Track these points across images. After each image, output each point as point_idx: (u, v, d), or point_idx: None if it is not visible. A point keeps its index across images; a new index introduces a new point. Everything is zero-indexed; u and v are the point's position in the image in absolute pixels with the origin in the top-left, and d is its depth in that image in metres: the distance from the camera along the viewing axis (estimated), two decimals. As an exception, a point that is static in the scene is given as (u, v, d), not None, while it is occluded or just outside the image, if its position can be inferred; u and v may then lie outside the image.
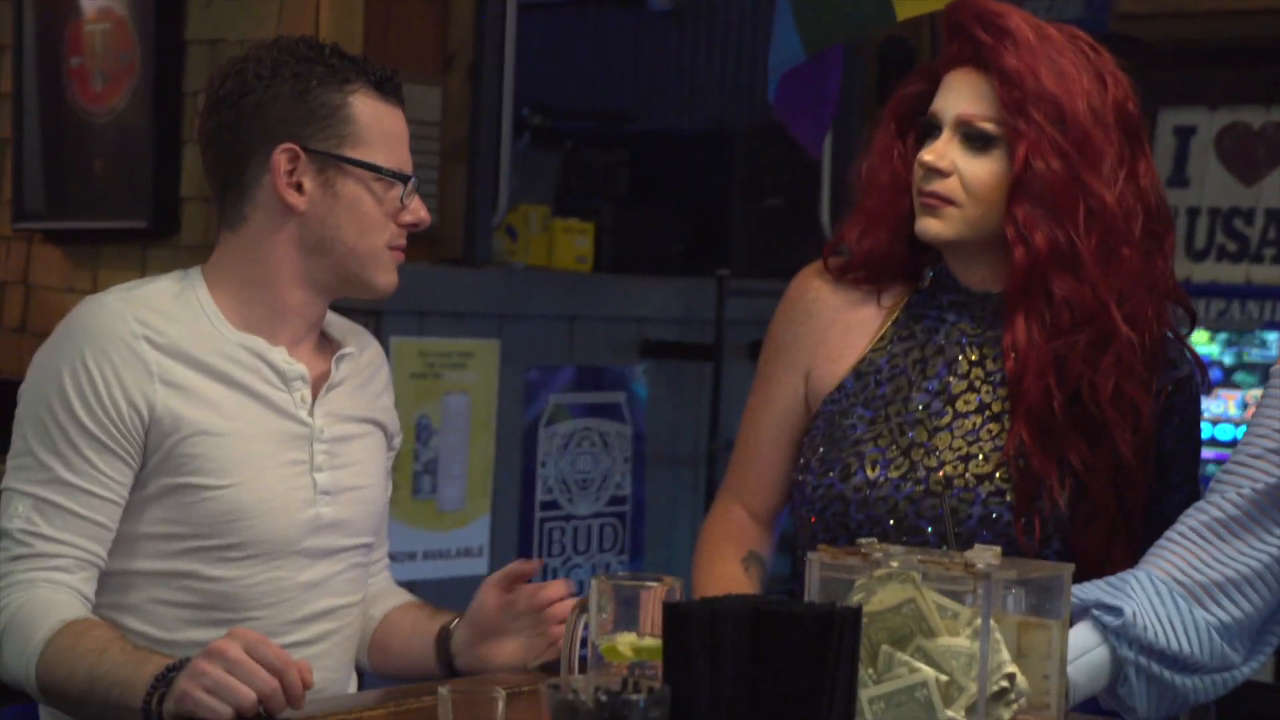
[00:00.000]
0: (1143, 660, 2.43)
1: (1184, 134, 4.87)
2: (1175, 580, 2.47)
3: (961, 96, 2.65)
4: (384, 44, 4.44)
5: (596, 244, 4.99)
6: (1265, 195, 4.75)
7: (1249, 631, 2.50)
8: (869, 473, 2.65)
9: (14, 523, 2.43)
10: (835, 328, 2.78)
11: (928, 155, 2.64)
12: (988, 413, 2.67)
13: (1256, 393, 4.57)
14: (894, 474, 2.65)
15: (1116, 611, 2.43)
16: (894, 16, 4.16)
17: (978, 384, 2.69)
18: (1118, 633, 2.43)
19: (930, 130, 2.67)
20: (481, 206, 4.63)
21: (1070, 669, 2.37)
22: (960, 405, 2.68)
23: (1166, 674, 2.46)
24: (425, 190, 2.62)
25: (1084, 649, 2.43)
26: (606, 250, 5.07)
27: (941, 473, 2.64)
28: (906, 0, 4.16)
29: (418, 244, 2.62)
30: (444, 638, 2.61)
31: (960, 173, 2.63)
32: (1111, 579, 2.49)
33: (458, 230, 4.59)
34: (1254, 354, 4.70)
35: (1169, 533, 2.53)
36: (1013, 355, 2.62)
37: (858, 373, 2.73)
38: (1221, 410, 4.70)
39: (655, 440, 4.88)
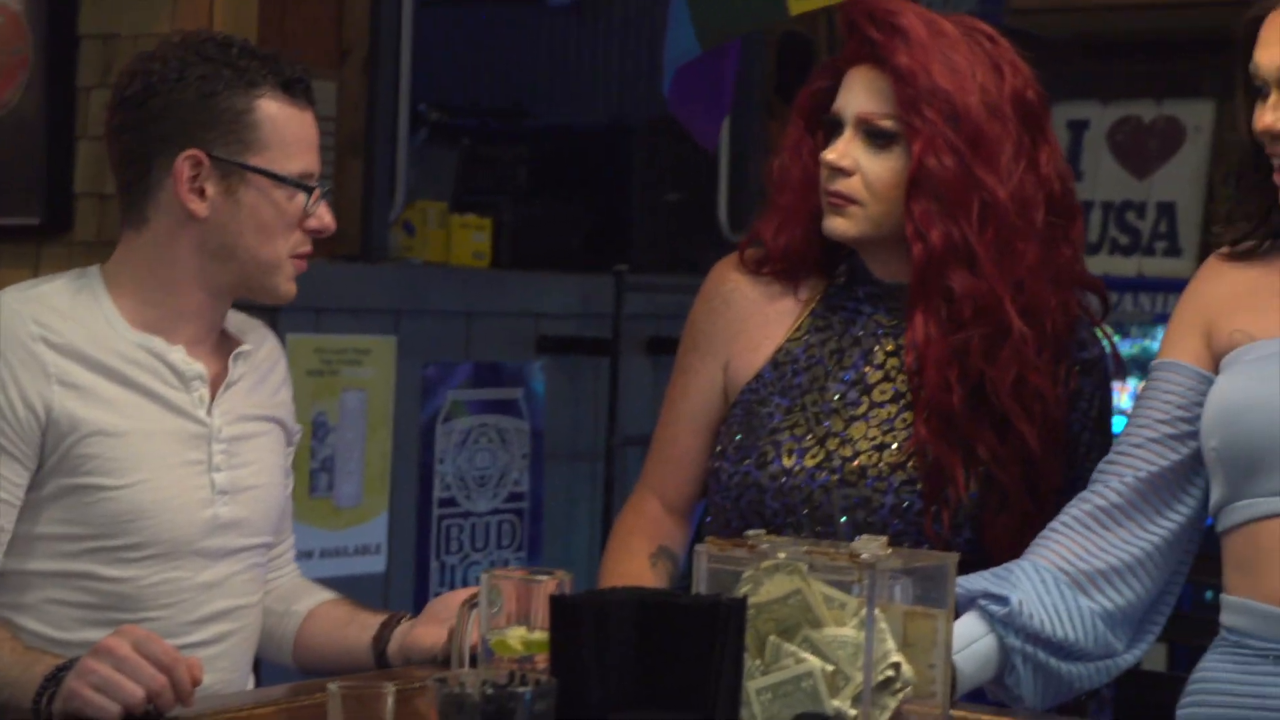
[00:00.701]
0: (1029, 649, 2.45)
1: (1077, 128, 4.92)
2: (1060, 569, 2.50)
3: (860, 94, 2.67)
4: (279, 37, 4.42)
5: (494, 240, 4.98)
6: (1156, 188, 4.79)
7: (1131, 619, 2.53)
8: (785, 461, 2.67)
9: None
10: (753, 319, 2.80)
11: (830, 154, 2.66)
12: (902, 402, 2.69)
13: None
14: (810, 462, 2.66)
15: (1003, 600, 2.45)
16: (787, 12, 4.17)
17: (893, 374, 2.71)
18: (1004, 621, 2.45)
19: (834, 128, 2.69)
20: (378, 202, 4.62)
21: (957, 658, 2.39)
22: (876, 395, 2.70)
23: (1053, 662, 2.48)
24: (327, 191, 2.62)
25: (971, 639, 2.45)
26: (504, 246, 5.06)
27: (856, 462, 2.66)
28: (806, -8, 4.19)
29: (316, 241, 2.62)
30: (388, 626, 2.62)
31: (862, 171, 2.65)
32: (997, 569, 2.51)
33: (354, 226, 4.57)
34: (1148, 347, 4.74)
35: (1055, 521, 2.55)
36: (913, 350, 2.65)
37: (775, 362, 2.76)
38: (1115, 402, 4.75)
39: (553, 436, 4.88)
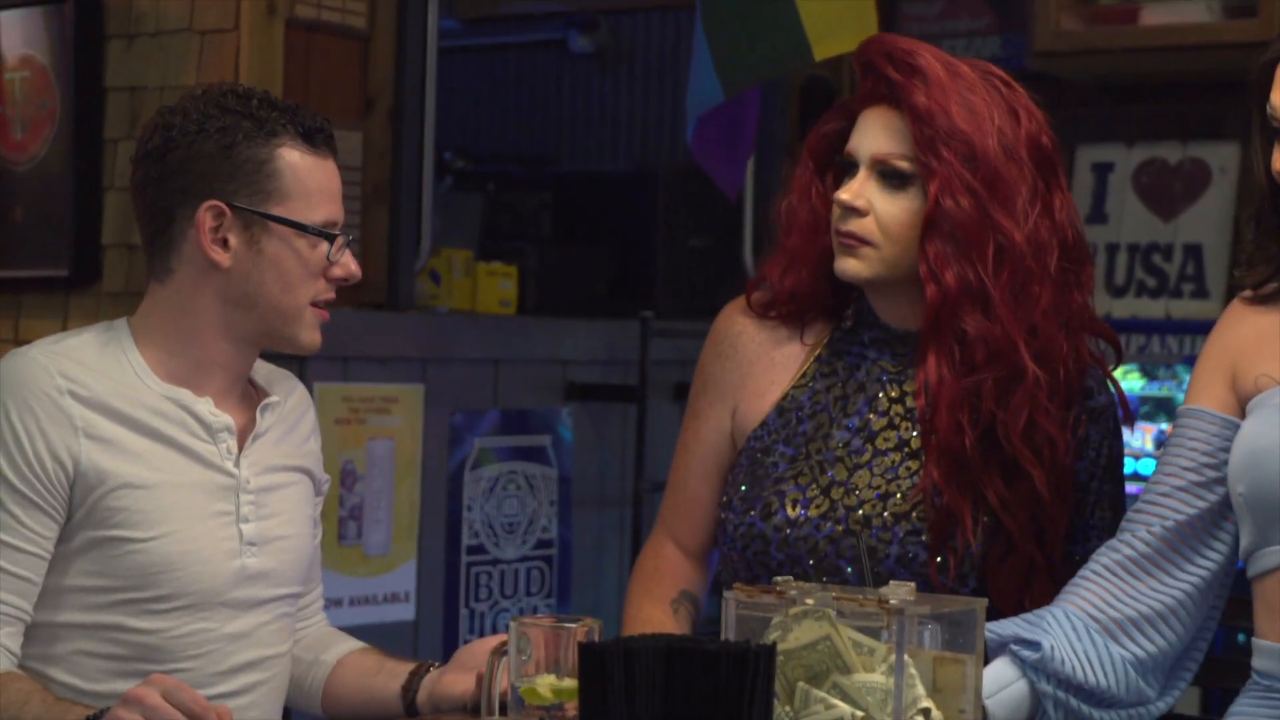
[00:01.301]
0: (1060, 694, 2.44)
1: (1102, 170, 4.91)
2: (1091, 616, 2.49)
3: (876, 135, 2.66)
4: (304, 89, 4.44)
5: (520, 287, 4.98)
6: (1183, 230, 4.78)
7: (1163, 666, 2.52)
8: (790, 512, 2.66)
9: None
10: (760, 363, 2.79)
11: (844, 194, 2.65)
12: (906, 450, 2.68)
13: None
14: (814, 513, 2.64)
15: (1035, 646, 2.45)
16: (812, 57, 4.20)
17: (897, 420, 2.70)
18: (1036, 666, 2.44)
19: (847, 168, 2.68)
20: (404, 251, 4.62)
21: (990, 703, 2.39)
22: (880, 443, 2.69)
23: (1084, 708, 2.47)
24: (352, 238, 2.62)
25: (1003, 684, 2.44)
26: (530, 293, 5.07)
27: (860, 511, 2.64)
28: (824, 40, 4.21)
29: (341, 290, 2.63)
30: (417, 675, 2.62)
31: (876, 212, 2.64)
32: (1028, 615, 2.50)
33: (380, 275, 4.58)
34: (1174, 388, 4.73)
35: (1083, 570, 2.55)
36: (925, 393, 2.64)
37: (780, 409, 2.75)
38: (1140, 445, 4.74)
39: (581, 483, 4.88)
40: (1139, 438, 4.66)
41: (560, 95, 6.75)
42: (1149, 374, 4.75)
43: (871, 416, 2.70)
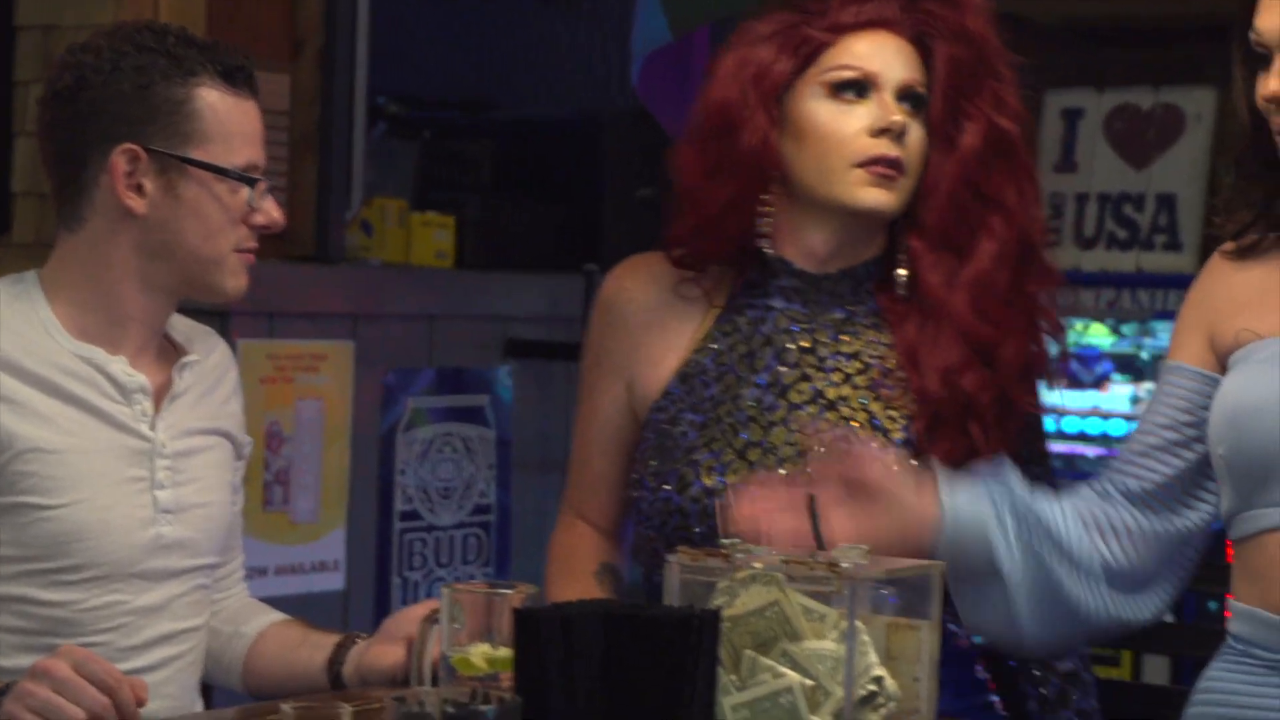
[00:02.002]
0: (1025, 539, 2.43)
1: (1071, 117, 4.92)
2: (1073, 509, 2.50)
3: (896, 58, 2.66)
4: (228, 29, 4.41)
5: (458, 239, 4.97)
6: (1156, 179, 4.80)
7: (1125, 579, 2.52)
8: (706, 481, 2.63)
9: None
10: (651, 330, 2.77)
11: (897, 115, 2.63)
12: (822, 401, 2.66)
13: (1147, 385, 4.63)
14: (732, 479, 2.60)
15: (1009, 490, 2.46)
16: (761, -5, 4.19)
17: (810, 372, 2.68)
18: (1011, 506, 2.44)
19: (849, 91, 2.66)
20: (334, 200, 4.61)
21: (950, 507, 2.39)
22: (793, 396, 2.67)
23: (1052, 563, 2.44)
24: (274, 184, 2.61)
25: (969, 501, 2.42)
26: (469, 245, 5.05)
27: (782, 471, 2.62)
28: (776, -22, 4.20)
29: (267, 241, 2.61)
30: (342, 647, 2.61)
31: (909, 140, 2.65)
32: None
33: (309, 226, 4.56)
34: (1145, 344, 4.76)
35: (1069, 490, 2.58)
36: (905, 354, 2.66)
37: (683, 375, 2.72)
38: (1112, 405, 4.77)
39: (521, 446, 4.88)
40: (1110, 399, 4.69)
41: (502, 36, 6.73)
42: (1116, 331, 4.77)
43: (782, 370, 2.68)
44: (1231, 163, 2.62)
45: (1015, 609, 2.45)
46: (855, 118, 2.64)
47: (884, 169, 2.63)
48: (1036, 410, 2.73)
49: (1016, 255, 2.65)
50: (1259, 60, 2.42)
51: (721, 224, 2.70)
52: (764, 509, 2.28)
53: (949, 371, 2.62)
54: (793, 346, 2.70)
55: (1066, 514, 2.49)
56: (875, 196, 2.63)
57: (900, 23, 2.67)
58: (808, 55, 2.68)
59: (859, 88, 2.65)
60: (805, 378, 2.68)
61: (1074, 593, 2.49)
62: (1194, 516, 2.52)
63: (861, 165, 2.63)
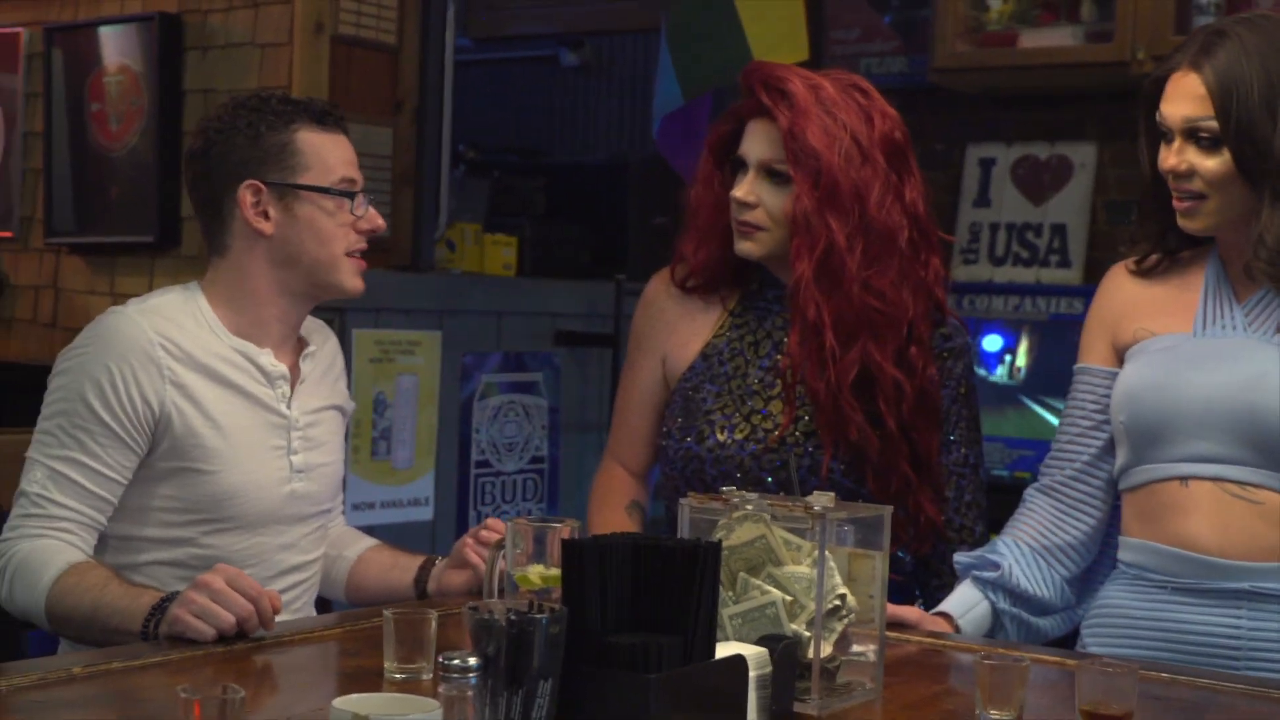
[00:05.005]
0: (1014, 610, 2.48)
1: (986, 164, 4.89)
2: (1031, 544, 2.51)
3: (761, 142, 2.64)
4: (345, 91, 4.40)
5: (519, 254, 4.95)
6: (1051, 212, 4.77)
7: (1079, 579, 2.54)
8: (719, 436, 2.65)
9: (32, 487, 2.40)
10: (682, 320, 2.78)
11: (738, 193, 2.64)
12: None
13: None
14: (739, 435, 2.64)
15: (994, 566, 2.46)
16: (754, 70, 4.15)
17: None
18: (995, 584, 2.46)
19: (740, 167, 2.66)
20: (425, 224, 4.60)
21: (961, 621, 2.45)
22: (788, 377, 2.66)
23: (1032, 619, 2.50)
24: (380, 210, 2.59)
25: (970, 604, 2.48)
26: (527, 259, 5.04)
27: (777, 434, 2.63)
28: (765, 56, 4.17)
29: (374, 254, 2.59)
30: (425, 568, 2.59)
31: (765, 204, 2.63)
32: (985, 547, 2.54)
33: (406, 243, 4.55)
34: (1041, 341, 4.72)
35: (1021, 507, 2.58)
36: (787, 357, 2.63)
37: (704, 355, 2.74)
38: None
39: (567, 411, 4.86)
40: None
41: (552, 100, 6.71)
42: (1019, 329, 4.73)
43: (779, 357, 2.70)
44: (1107, 201, 2.60)
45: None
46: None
47: (740, 227, 2.65)
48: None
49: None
50: (1161, 135, 2.40)
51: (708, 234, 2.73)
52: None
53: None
54: (787, 340, 2.68)
55: (1031, 564, 2.49)
56: (740, 246, 2.67)
57: (766, 112, 2.63)
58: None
59: (740, 163, 2.66)
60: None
61: (1050, 630, 2.55)
62: (1113, 483, 2.49)
63: (736, 225, 2.66)
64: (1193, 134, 2.33)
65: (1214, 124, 2.29)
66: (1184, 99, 2.33)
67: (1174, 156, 2.35)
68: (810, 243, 2.57)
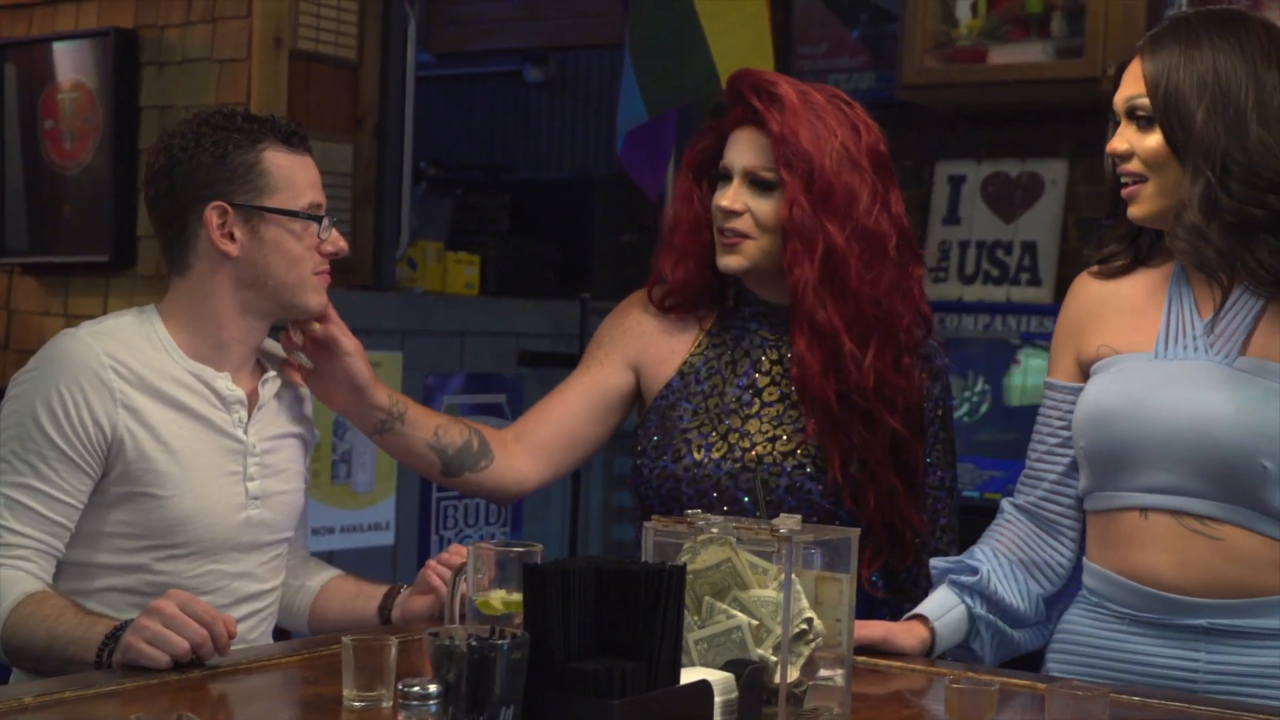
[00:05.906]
0: (990, 616, 2.48)
1: (956, 181, 4.91)
2: (1009, 554, 2.52)
3: (745, 151, 2.64)
4: (304, 108, 4.39)
5: (482, 273, 4.95)
6: (1021, 230, 4.79)
7: (1055, 598, 2.55)
8: (696, 455, 2.65)
9: None
10: (658, 338, 2.78)
11: (723, 200, 2.64)
12: (788, 401, 2.67)
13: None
14: (716, 455, 2.64)
15: (973, 571, 2.46)
16: (720, 86, 4.17)
17: (778, 379, 2.69)
18: (972, 589, 2.46)
19: (723, 178, 2.67)
20: (387, 242, 4.59)
21: (938, 624, 2.45)
22: (765, 396, 2.68)
23: (1005, 628, 2.49)
24: (340, 229, 2.59)
25: (947, 608, 2.47)
26: (490, 278, 5.04)
27: (754, 452, 2.63)
28: (730, 72, 4.17)
29: (335, 274, 2.59)
30: (390, 596, 2.59)
31: (751, 211, 2.63)
32: (962, 555, 2.54)
33: (367, 261, 4.55)
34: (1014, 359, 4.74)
35: (998, 518, 2.57)
36: (797, 364, 2.63)
37: (681, 374, 2.74)
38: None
39: (531, 433, 4.85)
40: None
41: (516, 116, 6.72)
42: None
43: (757, 376, 2.70)
44: (1079, 219, 2.61)
45: (985, 661, 2.51)
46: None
47: (724, 237, 2.65)
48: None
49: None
50: (1114, 124, 2.42)
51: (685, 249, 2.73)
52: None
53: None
54: (765, 359, 2.70)
55: (1008, 573, 2.50)
56: (724, 259, 2.67)
57: (753, 119, 2.64)
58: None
59: (722, 177, 2.67)
60: (774, 382, 2.70)
61: (1023, 643, 2.55)
62: (1081, 520, 2.50)
63: (720, 235, 2.66)
64: (1133, 114, 2.36)
65: (1147, 100, 2.33)
66: (1128, 81, 2.38)
67: (1117, 138, 2.38)
68: (808, 246, 2.58)
